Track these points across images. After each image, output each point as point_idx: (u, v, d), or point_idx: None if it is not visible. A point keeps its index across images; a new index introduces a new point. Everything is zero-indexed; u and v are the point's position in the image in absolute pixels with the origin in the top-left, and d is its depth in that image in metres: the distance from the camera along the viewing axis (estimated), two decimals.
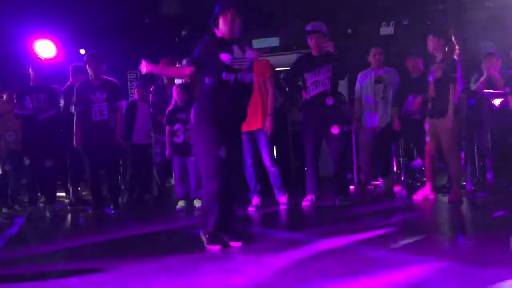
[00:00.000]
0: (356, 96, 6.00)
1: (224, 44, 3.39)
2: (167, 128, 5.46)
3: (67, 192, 6.98)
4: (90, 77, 5.48)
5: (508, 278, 2.41)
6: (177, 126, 5.42)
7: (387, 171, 5.87)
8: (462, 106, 5.03)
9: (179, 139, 5.42)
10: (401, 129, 5.83)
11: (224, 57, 3.33)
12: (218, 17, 3.40)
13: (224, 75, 3.33)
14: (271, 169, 5.10)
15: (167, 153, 5.52)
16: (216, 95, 3.35)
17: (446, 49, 4.80)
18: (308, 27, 5.13)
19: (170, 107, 5.51)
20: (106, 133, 5.36)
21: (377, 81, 5.85)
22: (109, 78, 5.58)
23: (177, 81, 7.08)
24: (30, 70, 5.54)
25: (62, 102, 6.01)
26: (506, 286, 2.31)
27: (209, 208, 3.35)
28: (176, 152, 5.44)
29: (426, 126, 4.96)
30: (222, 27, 3.40)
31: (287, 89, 6.08)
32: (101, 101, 5.36)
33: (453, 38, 4.88)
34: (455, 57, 4.81)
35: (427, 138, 4.98)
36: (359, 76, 6.04)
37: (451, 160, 4.85)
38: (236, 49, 3.39)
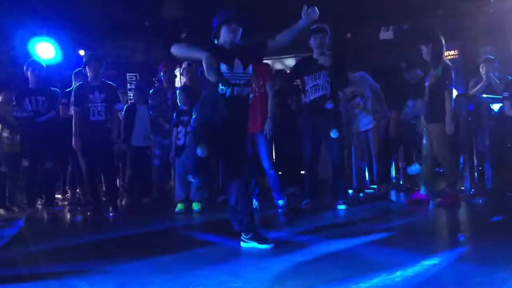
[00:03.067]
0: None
1: (226, 54, 3.30)
2: (174, 130, 5.50)
3: (64, 194, 6.99)
4: (89, 78, 5.50)
5: (506, 282, 2.41)
6: (179, 129, 5.44)
7: (385, 177, 5.87)
8: (459, 112, 5.05)
9: (180, 142, 5.44)
10: (401, 133, 5.84)
11: (224, 67, 3.25)
12: (220, 27, 3.33)
13: (220, 88, 3.26)
14: (270, 172, 5.11)
15: (171, 155, 5.55)
16: (212, 107, 3.30)
17: (434, 51, 4.83)
18: (314, 27, 5.14)
19: (176, 110, 5.55)
20: (103, 133, 5.37)
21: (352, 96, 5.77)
22: (108, 81, 5.62)
23: (178, 84, 7.10)
24: (28, 72, 5.53)
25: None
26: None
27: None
28: (177, 154, 5.46)
29: (424, 129, 5.00)
30: (224, 36, 3.32)
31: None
32: (99, 101, 5.37)
33: (442, 40, 4.89)
34: (448, 61, 4.85)
35: (424, 141, 5.02)
36: None
37: (444, 164, 4.89)
38: (237, 62, 3.30)
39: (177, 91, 5.72)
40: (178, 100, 5.57)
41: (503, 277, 2.50)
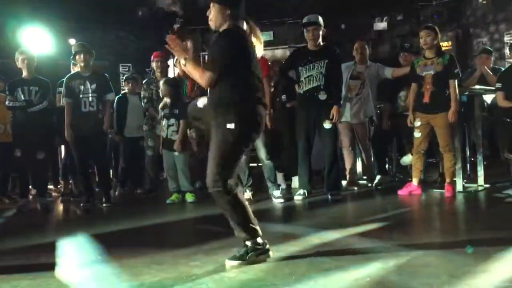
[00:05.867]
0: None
1: None
2: (162, 123, 5.48)
3: (56, 185, 6.95)
4: (79, 69, 5.47)
5: (497, 271, 2.43)
6: (163, 122, 5.45)
7: (379, 169, 5.88)
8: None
9: (164, 134, 5.43)
10: (394, 125, 5.84)
11: None
12: None
13: None
14: (266, 162, 5.10)
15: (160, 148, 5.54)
16: None
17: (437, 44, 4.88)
18: (305, 19, 5.11)
19: (161, 104, 5.51)
20: (94, 124, 5.35)
21: (355, 77, 5.72)
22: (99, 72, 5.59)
23: (170, 75, 7.05)
24: (19, 62, 5.47)
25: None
26: (495, 278, 2.33)
27: None
28: (163, 146, 5.46)
29: (417, 122, 5.00)
30: None
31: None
32: (90, 92, 5.34)
33: (438, 35, 4.95)
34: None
35: (417, 134, 5.01)
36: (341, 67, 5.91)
37: (446, 154, 4.90)
38: None
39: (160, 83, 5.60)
40: (160, 92, 5.45)
41: (494, 267, 2.52)
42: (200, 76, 2.81)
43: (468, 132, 5.81)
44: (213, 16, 2.88)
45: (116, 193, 6.44)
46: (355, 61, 5.79)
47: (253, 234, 2.78)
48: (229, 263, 2.74)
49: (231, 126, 2.74)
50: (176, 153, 5.34)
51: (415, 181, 5.10)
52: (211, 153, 2.79)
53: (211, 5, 2.87)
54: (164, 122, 5.43)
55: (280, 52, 9.28)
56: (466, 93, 5.31)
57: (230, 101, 2.79)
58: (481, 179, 5.25)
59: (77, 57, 5.41)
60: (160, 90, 5.48)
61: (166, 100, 5.39)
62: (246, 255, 2.74)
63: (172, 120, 5.35)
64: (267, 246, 2.82)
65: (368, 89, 5.70)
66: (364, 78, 5.71)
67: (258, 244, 2.78)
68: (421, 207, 4.78)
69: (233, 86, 2.79)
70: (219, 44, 2.82)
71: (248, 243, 2.77)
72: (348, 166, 5.87)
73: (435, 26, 5.09)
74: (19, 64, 5.46)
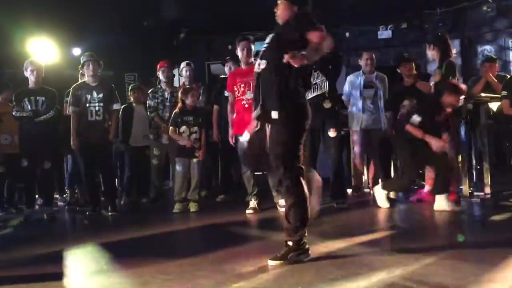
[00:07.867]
0: (345, 99, 6.00)
1: None
2: (171, 128, 5.46)
3: (62, 194, 6.96)
4: (87, 78, 5.51)
5: (505, 280, 2.42)
6: (182, 129, 5.42)
7: (386, 177, 5.86)
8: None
9: (183, 142, 5.41)
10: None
11: None
12: None
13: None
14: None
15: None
16: None
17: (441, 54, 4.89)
18: None
19: (176, 110, 5.50)
20: (101, 133, 5.38)
21: (368, 86, 5.84)
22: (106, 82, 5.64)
23: (176, 84, 7.09)
24: (27, 72, 5.51)
25: None
26: (501, 286, 2.32)
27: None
28: (180, 154, 5.44)
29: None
30: None
31: None
32: (97, 101, 5.39)
33: (448, 42, 4.97)
34: (452, 59, 4.91)
35: None
36: (348, 78, 6.04)
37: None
38: None
39: (180, 91, 5.64)
40: (184, 100, 5.45)
41: (501, 276, 2.50)
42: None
43: (474, 139, 5.79)
44: (281, 12, 3.02)
45: (122, 202, 6.44)
46: (363, 71, 5.87)
47: (303, 233, 2.85)
48: (271, 263, 2.82)
49: (275, 115, 2.82)
50: (194, 160, 5.36)
51: (426, 189, 5.08)
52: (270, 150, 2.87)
53: (279, 1, 3.02)
54: (184, 129, 5.42)
55: None
56: (472, 100, 5.30)
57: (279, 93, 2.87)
58: (487, 187, 5.23)
59: (85, 66, 5.47)
60: (190, 96, 5.41)
61: (188, 107, 5.40)
62: (287, 254, 2.82)
63: (195, 128, 5.38)
64: (307, 245, 2.88)
65: (381, 97, 5.78)
66: (377, 86, 5.80)
67: (300, 244, 2.84)
68: (428, 215, 4.75)
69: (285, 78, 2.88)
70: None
71: (290, 243, 2.84)
72: (357, 174, 5.90)
73: (440, 37, 5.11)
74: (27, 73, 5.50)
